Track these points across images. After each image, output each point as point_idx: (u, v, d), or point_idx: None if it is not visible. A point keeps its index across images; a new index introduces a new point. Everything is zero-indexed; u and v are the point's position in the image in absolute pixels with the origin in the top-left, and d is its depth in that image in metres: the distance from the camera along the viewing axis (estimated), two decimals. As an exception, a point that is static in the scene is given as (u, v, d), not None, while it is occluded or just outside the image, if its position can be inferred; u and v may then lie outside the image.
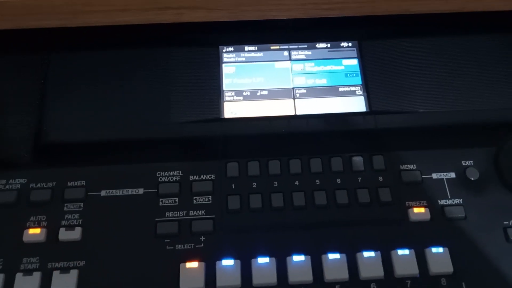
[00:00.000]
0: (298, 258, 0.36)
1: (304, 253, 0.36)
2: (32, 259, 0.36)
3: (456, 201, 0.39)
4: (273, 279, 0.35)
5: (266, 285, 0.35)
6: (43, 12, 0.37)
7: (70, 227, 0.37)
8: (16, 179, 0.39)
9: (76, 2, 0.36)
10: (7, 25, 0.38)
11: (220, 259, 0.36)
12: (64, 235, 0.37)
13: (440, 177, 0.40)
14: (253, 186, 0.39)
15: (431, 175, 0.40)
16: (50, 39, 0.43)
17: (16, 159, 0.40)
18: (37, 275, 0.35)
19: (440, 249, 0.36)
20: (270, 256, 0.36)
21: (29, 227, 0.37)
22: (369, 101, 0.43)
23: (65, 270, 0.36)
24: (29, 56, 0.44)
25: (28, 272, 0.35)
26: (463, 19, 0.44)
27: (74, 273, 0.35)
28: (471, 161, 0.40)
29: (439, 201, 0.39)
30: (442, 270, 0.36)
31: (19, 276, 0.35)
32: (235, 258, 0.36)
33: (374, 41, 0.46)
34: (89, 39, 0.44)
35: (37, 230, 0.37)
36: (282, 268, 0.36)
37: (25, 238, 0.37)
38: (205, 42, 0.45)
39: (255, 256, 0.36)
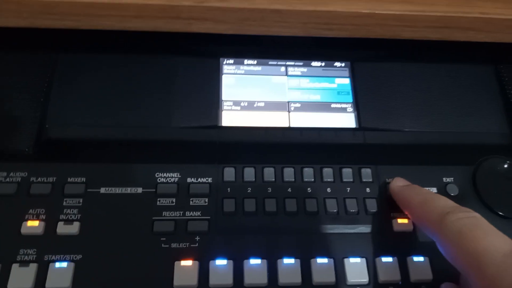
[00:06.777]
0: (288, 261, 0.37)
1: (294, 256, 0.37)
2: (29, 251, 0.36)
3: (437, 214, 0.40)
4: (263, 279, 0.36)
5: (257, 285, 0.36)
6: (60, 13, 0.37)
7: (69, 222, 0.37)
8: (17, 172, 0.39)
9: (93, 5, 0.36)
10: (22, 23, 0.37)
11: (214, 258, 0.37)
12: (62, 229, 0.37)
13: (423, 191, 0.41)
14: (248, 191, 0.40)
15: (414, 189, 0.41)
16: (58, 39, 0.43)
17: (18, 153, 0.40)
18: (33, 267, 0.35)
19: (421, 258, 0.38)
20: (261, 257, 0.37)
21: (28, 219, 0.37)
22: (358, 118, 0.45)
23: (61, 262, 0.36)
24: (36, 54, 0.44)
25: (24, 263, 0.35)
26: (449, 48, 0.47)
27: (70, 266, 0.36)
28: (452, 178, 0.42)
29: (421, 213, 0.40)
30: (422, 277, 0.37)
31: (15, 266, 0.35)
32: (228, 258, 0.37)
33: (366, 62, 0.48)
34: (95, 42, 0.45)
35: (35, 223, 0.37)
36: (272, 270, 0.37)
37: (23, 230, 0.37)
38: (207, 54, 0.47)
39: (248, 257, 0.37)
